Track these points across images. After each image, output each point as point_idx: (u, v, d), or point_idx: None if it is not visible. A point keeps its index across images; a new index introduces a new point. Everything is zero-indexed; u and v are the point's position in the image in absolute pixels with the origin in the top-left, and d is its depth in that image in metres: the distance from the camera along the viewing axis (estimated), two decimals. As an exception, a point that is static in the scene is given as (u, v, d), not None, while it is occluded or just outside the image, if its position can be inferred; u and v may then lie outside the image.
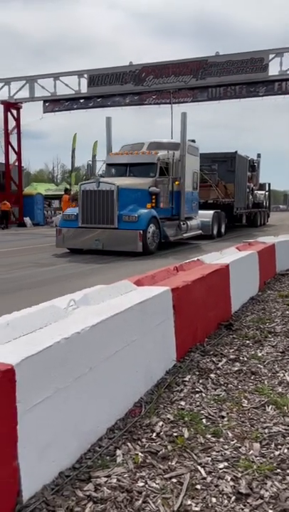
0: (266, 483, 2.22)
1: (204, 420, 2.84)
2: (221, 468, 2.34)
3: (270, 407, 3.03)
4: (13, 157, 28.38)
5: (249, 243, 8.14)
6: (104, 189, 12.18)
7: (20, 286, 7.87)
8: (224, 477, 2.27)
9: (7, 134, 27.46)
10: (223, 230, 18.80)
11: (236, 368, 3.73)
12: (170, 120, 21.97)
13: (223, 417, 2.90)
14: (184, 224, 14.48)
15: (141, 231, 11.75)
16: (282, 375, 3.62)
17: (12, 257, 12.19)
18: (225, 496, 2.13)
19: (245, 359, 3.95)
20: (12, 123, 27.39)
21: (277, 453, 2.49)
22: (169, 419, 2.83)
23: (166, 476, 2.27)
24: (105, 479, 2.21)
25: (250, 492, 2.16)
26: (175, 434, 2.65)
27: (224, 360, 3.90)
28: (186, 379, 3.45)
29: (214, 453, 2.48)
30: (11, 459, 1.93)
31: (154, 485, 2.19)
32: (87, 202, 12.38)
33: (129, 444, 2.54)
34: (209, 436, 2.65)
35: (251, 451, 2.50)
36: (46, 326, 2.60)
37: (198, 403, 3.08)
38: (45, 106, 25.44)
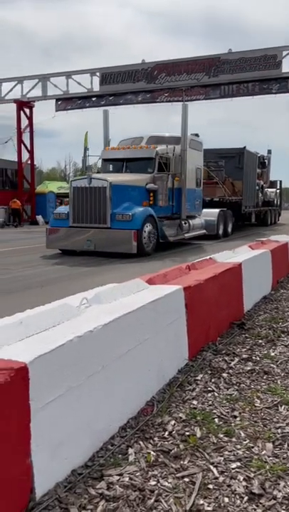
0: (279, 484, 2.21)
1: (216, 420, 2.83)
2: (233, 468, 2.33)
3: (283, 407, 3.02)
4: (25, 155, 28.53)
5: (262, 242, 8.10)
6: (96, 186, 11.34)
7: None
8: (237, 477, 2.26)
9: (20, 133, 27.59)
10: (229, 229, 18.03)
11: (249, 368, 3.71)
12: (180, 118, 22.01)
13: (235, 416, 2.89)
14: (185, 223, 13.72)
15: (135, 231, 10.92)
16: (295, 374, 3.60)
17: (23, 256, 12.10)
18: (237, 496, 2.13)
19: (258, 358, 3.94)
20: (25, 121, 27.52)
21: (290, 453, 2.49)
22: (181, 418, 2.83)
23: (179, 475, 2.27)
24: (118, 477, 2.22)
25: (263, 492, 2.15)
26: (187, 433, 2.65)
27: (237, 359, 3.89)
28: (199, 378, 3.45)
29: (227, 452, 2.47)
30: (24, 456, 1.95)
31: (166, 484, 2.19)
32: (79, 200, 11.57)
33: (141, 442, 2.55)
34: (222, 435, 2.64)
35: (264, 451, 2.49)
36: (59, 324, 2.62)
37: (210, 402, 3.07)
38: (58, 104, 25.52)
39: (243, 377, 3.52)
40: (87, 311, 2.93)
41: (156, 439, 2.59)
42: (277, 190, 28.41)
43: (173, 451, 2.46)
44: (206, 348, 4.08)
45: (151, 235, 11.54)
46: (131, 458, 2.39)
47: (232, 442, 2.58)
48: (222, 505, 2.07)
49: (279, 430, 2.73)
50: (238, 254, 6.19)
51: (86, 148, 14.96)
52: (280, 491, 2.16)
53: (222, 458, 2.42)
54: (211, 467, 2.33)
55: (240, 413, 2.93)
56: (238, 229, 19.93)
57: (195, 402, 3.07)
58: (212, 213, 16.28)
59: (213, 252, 8.41)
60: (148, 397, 3.04)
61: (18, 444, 1.92)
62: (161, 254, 11.90)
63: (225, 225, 17.45)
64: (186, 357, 3.71)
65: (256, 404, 3.06)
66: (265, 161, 25.38)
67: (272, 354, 4.06)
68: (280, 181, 29.66)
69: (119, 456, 2.40)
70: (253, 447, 2.53)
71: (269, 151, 26.68)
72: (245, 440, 2.61)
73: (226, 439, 2.61)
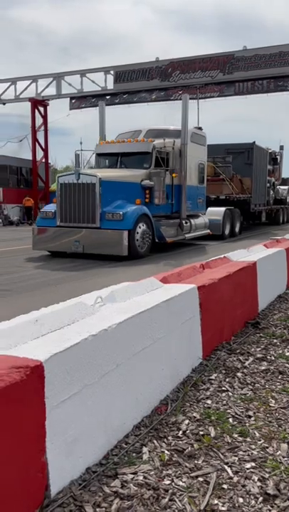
0: (294, 485, 2.20)
1: (231, 419, 2.83)
2: (248, 469, 2.33)
3: (298, 408, 3.01)
4: (40, 154, 28.68)
5: (277, 240, 8.05)
6: (85, 182, 10.34)
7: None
8: (251, 477, 2.26)
9: (34, 131, 27.75)
10: (237, 229, 17.13)
11: (263, 367, 3.70)
12: (197, 115, 21.98)
13: (250, 416, 2.88)
14: (186, 223, 12.73)
15: (127, 231, 10.00)
16: (310, 375, 3.58)
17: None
18: (252, 497, 2.12)
19: (273, 358, 3.92)
20: (39, 120, 27.67)
21: (305, 454, 2.47)
22: (195, 417, 2.83)
23: (193, 474, 2.27)
24: (132, 476, 2.22)
25: (278, 493, 2.14)
26: (201, 432, 2.65)
27: (251, 358, 3.88)
28: (213, 377, 3.44)
29: (241, 452, 2.47)
30: (40, 453, 1.96)
31: (180, 483, 2.20)
32: (66, 197, 10.58)
33: (155, 441, 2.55)
34: (236, 435, 2.64)
35: (279, 452, 2.48)
36: (74, 322, 2.63)
37: (224, 402, 3.06)
38: (72, 103, 25.63)
39: (257, 377, 3.50)
40: (101, 310, 2.94)
41: (170, 438, 2.59)
42: None
43: (187, 451, 2.46)
44: (220, 347, 4.07)
45: (145, 236, 10.67)
46: (145, 457, 2.40)
47: (246, 442, 2.57)
48: (236, 505, 2.07)
49: (294, 431, 2.72)
50: (252, 252, 6.16)
51: (80, 143, 14.20)
52: (295, 492, 2.15)
53: (236, 458, 2.42)
54: (226, 467, 2.33)
55: (254, 413, 2.92)
56: (247, 229, 19.24)
57: (209, 401, 3.06)
58: (217, 212, 15.44)
59: (215, 254, 8.11)
60: (162, 395, 3.05)
61: (33, 441, 1.94)
62: (156, 256, 11.02)
63: (232, 224, 16.54)
64: (200, 356, 3.71)
65: (271, 404, 3.05)
66: (277, 157, 24.60)
67: (288, 354, 4.04)
68: None
69: (134, 454, 2.41)
70: (267, 447, 2.53)
71: (281, 147, 25.76)
72: (259, 440, 2.60)
73: (240, 439, 2.60)
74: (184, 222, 12.52)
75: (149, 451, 2.44)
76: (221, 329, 4.20)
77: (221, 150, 18.30)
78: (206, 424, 2.74)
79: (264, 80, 21.68)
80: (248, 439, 2.60)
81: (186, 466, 2.33)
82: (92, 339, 2.34)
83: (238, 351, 4.03)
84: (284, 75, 21.10)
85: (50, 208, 11.26)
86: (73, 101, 25.63)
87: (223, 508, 2.04)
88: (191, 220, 13.05)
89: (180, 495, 2.11)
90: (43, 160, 29.14)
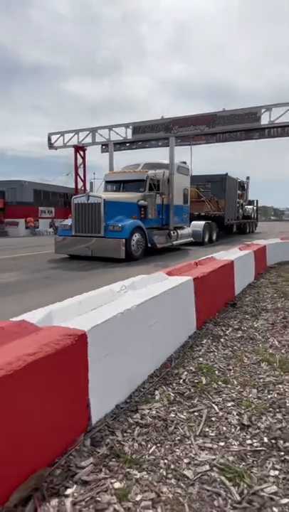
0: (262, 418, 2.20)
1: (216, 371, 2.82)
2: (229, 406, 2.33)
3: (263, 364, 2.98)
4: (80, 184, 28.76)
5: (247, 245, 7.99)
6: (93, 202, 10.07)
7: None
8: (231, 412, 2.26)
9: (76, 168, 27.83)
10: (214, 237, 16.35)
11: (239, 335, 3.68)
12: (190, 156, 22.07)
13: (230, 369, 2.87)
14: (174, 233, 12.20)
15: (124, 239, 9.56)
16: (272, 340, 3.54)
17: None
18: (232, 426, 2.13)
19: (245, 328, 3.90)
20: (79, 160, 27.74)
21: (269, 396, 2.45)
22: (191, 370, 2.83)
23: (190, 410, 2.28)
24: (148, 411, 2.24)
25: (251, 424, 2.14)
26: (196, 381, 2.65)
27: (230, 329, 3.86)
28: (203, 342, 3.44)
29: (224, 395, 2.47)
30: (84, 395, 1.99)
31: (182, 416, 2.21)
32: (79, 213, 10.24)
33: (163, 387, 2.56)
34: (220, 383, 2.64)
35: (251, 395, 2.48)
36: (106, 304, 2.65)
37: (212, 359, 3.06)
38: (102, 148, 25.58)
39: (235, 342, 3.49)
40: (125, 295, 2.96)
41: (174, 384, 2.60)
42: (254, 207, 26.93)
43: (186, 393, 2.47)
44: (208, 321, 4.06)
45: (139, 243, 10.19)
46: (157, 397, 2.41)
47: (228, 388, 2.57)
48: (221, 432, 2.07)
49: (261, 380, 2.70)
50: (230, 254, 6.12)
51: (94, 173, 13.92)
52: (262, 423, 2.14)
53: (221, 399, 2.42)
54: (213, 405, 2.34)
55: (233, 367, 2.91)
56: (222, 237, 18.70)
57: (201, 359, 3.06)
58: (199, 225, 14.86)
59: (196, 257, 8.19)
60: (168, 355, 3.05)
61: (80, 386, 1.96)
62: (149, 258, 10.47)
63: (210, 234, 15.95)
64: (194, 327, 3.71)
65: (245, 361, 3.04)
66: (244, 184, 24.23)
67: (256, 325, 4.01)
68: (256, 200, 27.90)
69: (149, 396, 2.43)
70: (242, 392, 2.52)
71: (248, 178, 25.42)
72: (237, 386, 2.59)
73: (223, 385, 2.60)
74: (171, 232, 12.10)
75: (160, 394, 2.45)
76: (209, 308, 4.19)
77: (203, 179, 17.99)
78: (199, 375, 2.75)
79: (237, 132, 21.48)
80: (229, 386, 2.60)
81: (185, 404, 2.34)
82: (119, 316, 2.35)
83: (221, 324, 4.01)
84: (252, 128, 20.92)
85: (68, 221, 10.89)
86: (103, 147, 25.58)
87: (212, 434, 2.05)
88: (178, 231, 12.62)
89: (182, 424, 2.13)
90: (82, 188, 29.20)
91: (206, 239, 15.21)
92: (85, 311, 2.45)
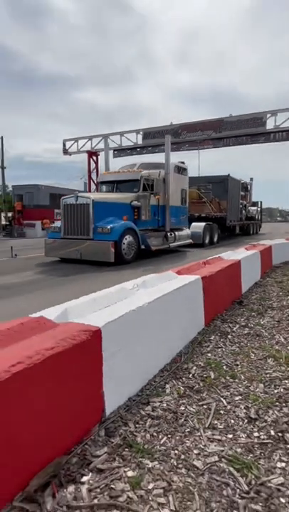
0: (268, 412, 2.17)
1: (224, 367, 2.81)
2: (236, 400, 2.31)
3: (270, 359, 2.95)
4: (93, 187, 28.88)
5: (254, 245, 7.92)
6: (82, 203, 9.13)
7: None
8: (239, 406, 2.24)
9: (89, 172, 27.98)
10: (215, 239, 15.27)
11: (246, 332, 3.65)
12: (198, 160, 21.96)
13: (237, 365, 2.85)
14: (171, 234, 11.23)
15: (113, 242, 8.65)
16: (278, 337, 3.51)
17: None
18: (240, 419, 2.11)
19: (252, 325, 3.87)
20: (93, 165, 27.88)
21: (276, 391, 2.43)
22: (200, 365, 2.82)
23: (200, 403, 2.27)
24: (159, 403, 2.24)
25: (258, 417, 2.12)
26: (205, 375, 2.64)
27: (237, 326, 3.83)
28: (212, 338, 3.42)
29: (232, 389, 2.45)
30: (99, 387, 2.00)
31: (191, 409, 2.20)
32: (68, 215, 9.32)
33: (174, 380, 2.55)
34: (228, 377, 2.62)
35: (257, 389, 2.45)
36: (120, 301, 2.66)
37: (220, 355, 3.04)
38: (115, 153, 25.65)
39: (242, 338, 3.46)
40: (137, 293, 2.96)
41: (184, 378, 2.59)
42: (258, 208, 25.90)
43: (195, 387, 2.46)
44: (216, 318, 4.03)
45: (131, 245, 9.24)
46: (167, 391, 2.40)
47: (235, 382, 2.55)
48: (229, 424, 2.06)
49: (267, 375, 2.67)
50: (237, 254, 6.08)
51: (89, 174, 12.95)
52: (269, 417, 2.12)
53: (229, 393, 2.40)
54: (222, 399, 2.32)
55: (240, 363, 2.89)
56: (225, 238, 17.90)
57: (209, 354, 3.05)
58: (199, 226, 13.90)
59: (192, 260, 7.89)
60: (178, 350, 3.05)
61: (95, 379, 1.97)
62: (141, 262, 9.44)
63: (211, 235, 14.85)
64: (202, 324, 3.69)
65: (251, 357, 3.01)
66: (248, 186, 23.19)
67: (262, 322, 3.98)
68: (261, 201, 26.90)
69: (160, 389, 2.42)
70: (249, 386, 2.50)
71: (251, 179, 24.45)
72: (244, 381, 2.57)
73: (231, 380, 2.59)
74: (168, 234, 11.14)
75: (170, 387, 2.45)
76: (217, 306, 4.16)
77: (204, 180, 17.25)
78: (207, 370, 2.73)
79: (243, 136, 21.31)
80: (236, 380, 2.58)
81: (195, 398, 2.33)
82: (131, 313, 2.35)
83: (228, 321, 3.99)
84: (257, 133, 20.75)
85: (58, 223, 9.92)
86: (115, 152, 25.67)
87: (221, 427, 2.04)
88: (176, 232, 11.66)
89: (191, 417, 2.12)
90: (95, 191, 29.29)
91: (207, 240, 14.34)
92: (99, 308, 2.45)
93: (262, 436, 1.95)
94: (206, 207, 15.92)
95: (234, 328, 3.73)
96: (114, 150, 25.96)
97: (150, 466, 1.72)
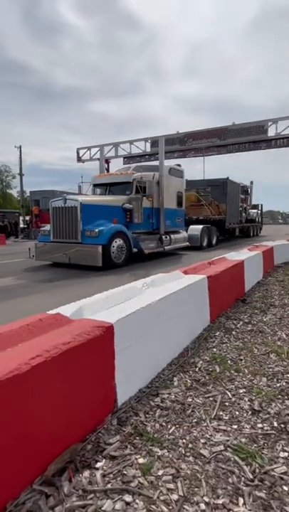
0: (271, 404, 2.16)
1: (229, 361, 2.79)
2: (241, 393, 2.30)
3: (272, 355, 2.93)
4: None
5: (256, 246, 7.85)
6: (70, 205, 8.42)
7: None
8: (243, 398, 2.23)
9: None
10: (214, 241, 14.38)
11: (249, 328, 3.63)
12: (202, 166, 21.86)
13: (241, 359, 2.84)
14: (166, 237, 10.48)
15: (101, 246, 7.94)
16: (280, 333, 3.47)
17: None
18: (244, 411, 2.10)
19: (255, 322, 3.84)
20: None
21: (278, 384, 2.41)
22: (206, 359, 2.81)
23: (206, 395, 2.26)
24: (167, 395, 2.24)
25: (261, 409, 2.11)
26: (210, 369, 2.63)
27: (241, 322, 3.81)
28: (217, 334, 3.41)
29: (236, 382, 2.44)
30: (111, 379, 2.01)
31: (198, 401, 2.19)
32: (56, 218, 8.63)
33: (181, 374, 2.55)
34: (233, 371, 2.61)
35: (261, 383, 2.44)
36: (130, 299, 2.66)
37: (224, 350, 3.03)
38: (124, 160, 25.69)
39: (245, 334, 3.44)
40: (146, 291, 2.96)
41: (190, 372, 2.59)
42: (258, 211, 24.95)
43: (202, 380, 2.45)
44: (221, 315, 4.01)
45: (121, 249, 8.50)
46: (175, 383, 2.40)
47: (240, 376, 2.54)
48: (234, 416, 2.05)
49: (270, 369, 2.65)
50: (241, 254, 6.03)
51: (81, 176, 12.43)
52: (272, 409, 2.10)
53: (233, 386, 2.39)
54: (227, 391, 2.31)
55: (244, 357, 2.87)
56: (224, 240, 17.27)
57: (215, 349, 3.03)
58: (196, 229, 13.13)
59: (187, 263, 7.26)
60: (185, 345, 3.04)
61: (108, 372, 1.98)
62: (133, 266, 8.68)
63: (209, 238, 13.96)
64: (208, 320, 3.67)
65: (255, 352, 2.99)
66: (248, 189, 22.45)
67: (264, 319, 3.94)
68: (261, 204, 25.94)
69: (168, 382, 2.42)
70: (253, 380, 2.48)
71: (251, 182, 23.66)
72: (248, 375, 2.55)
73: (235, 374, 2.57)
74: (163, 237, 10.36)
75: (178, 380, 2.45)
76: (222, 303, 4.14)
77: (203, 183, 16.73)
78: (213, 364, 2.72)
79: (246, 143, 21.17)
80: (241, 374, 2.56)
81: (201, 390, 2.33)
82: (141, 310, 2.35)
83: (232, 318, 3.96)
84: (259, 140, 20.60)
85: (48, 227, 9.12)
86: (125, 159, 25.71)
87: (226, 418, 2.03)
88: (171, 235, 10.86)
89: (198, 408, 2.11)
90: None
91: (205, 243, 13.54)
92: (112, 306, 2.47)
93: (265, 428, 1.93)
94: (204, 210, 15.16)
95: (238, 325, 3.71)
96: (124, 157, 26.01)
97: (160, 453, 1.72)
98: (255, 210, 24.06)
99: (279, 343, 3.19)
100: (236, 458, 1.69)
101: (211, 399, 2.22)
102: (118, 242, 8.45)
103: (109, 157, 27.06)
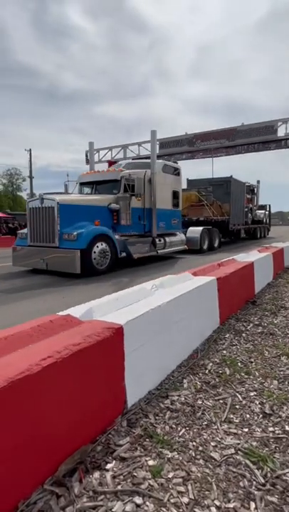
0: (283, 408, 2.13)
1: (239, 363, 2.77)
2: (251, 396, 2.27)
3: (283, 357, 2.89)
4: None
5: (266, 247, 7.77)
6: (47, 206, 7.48)
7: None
8: (254, 401, 2.20)
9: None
10: (216, 244, 13.28)
11: (259, 330, 3.59)
12: (211, 166, 21.70)
13: (251, 362, 2.81)
14: (160, 240, 9.49)
15: (79, 251, 7.01)
16: (291, 336, 3.44)
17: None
18: (255, 414, 2.07)
19: (265, 324, 3.79)
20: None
21: (289, 388, 2.38)
22: (216, 361, 2.79)
23: (216, 398, 2.24)
24: (177, 397, 2.22)
25: (272, 412, 2.08)
26: (220, 371, 2.61)
27: (251, 324, 3.77)
28: (226, 336, 3.38)
29: (247, 385, 2.41)
30: (121, 381, 2.01)
31: (208, 403, 2.18)
32: (33, 219, 7.72)
33: (191, 376, 2.54)
34: (243, 374, 2.58)
35: (272, 386, 2.41)
36: (140, 300, 2.66)
37: (234, 352, 3.00)
38: (133, 162, 25.84)
39: (256, 336, 3.41)
40: (156, 293, 2.96)
41: (200, 374, 2.57)
42: (266, 212, 23.71)
43: (212, 383, 2.44)
44: (230, 317, 3.98)
45: (104, 254, 7.57)
46: (185, 385, 2.39)
47: (250, 379, 2.51)
48: (245, 419, 2.03)
49: (281, 372, 2.62)
50: (251, 256, 5.98)
51: (67, 175, 11.27)
52: (284, 412, 2.08)
53: (244, 388, 2.37)
54: (237, 394, 2.29)
55: (254, 360, 2.85)
56: (229, 243, 16.37)
57: (225, 351, 3.01)
58: (196, 231, 12.06)
59: (180, 268, 6.87)
60: (194, 347, 3.03)
61: (118, 373, 1.98)
62: (119, 271, 7.84)
63: (210, 240, 12.84)
64: (218, 322, 3.65)
65: (265, 355, 2.96)
66: (254, 188, 21.28)
67: (275, 322, 3.90)
68: (269, 205, 24.76)
69: (178, 384, 2.41)
70: (264, 382, 2.45)
71: (258, 181, 22.47)
72: (258, 378, 2.53)
73: (246, 376, 2.55)
74: (156, 240, 9.37)
75: (188, 382, 2.44)
76: (231, 305, 4.11)
77: (205, 182, 15.76)
78: (223, 366, 2.70)
79: (255, 144, 21.01)
80: (251, 377, 2.54)
81: (211, 393, 2.31)
82: (151, 311, 2.35)
83: (242, 320, 3.93)
84: (268, 140, 20.43)
85: (26, 230, 8.17)
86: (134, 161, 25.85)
87: (236, 421, 2.01)
88: (166, 238, 9.85)
89: (208, 411, 2.10)
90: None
91: (205, 246, 12.45)
92: (121, 307, 2.47)
93: (277, 431, 1.91)
94: (205, 210, 14.01)
95: (248, 327, 3.67)
96: (133, 159, 26.01)
97: (170, 456, 1.71)
98: (262, 211, 22.97)
99: (290, 346, 3.15)
100: (247, 461, 1.67)
101: (221, 401, 2.20)
102: (101, 246, 7.52)
103: (118, 159, 27.12)
